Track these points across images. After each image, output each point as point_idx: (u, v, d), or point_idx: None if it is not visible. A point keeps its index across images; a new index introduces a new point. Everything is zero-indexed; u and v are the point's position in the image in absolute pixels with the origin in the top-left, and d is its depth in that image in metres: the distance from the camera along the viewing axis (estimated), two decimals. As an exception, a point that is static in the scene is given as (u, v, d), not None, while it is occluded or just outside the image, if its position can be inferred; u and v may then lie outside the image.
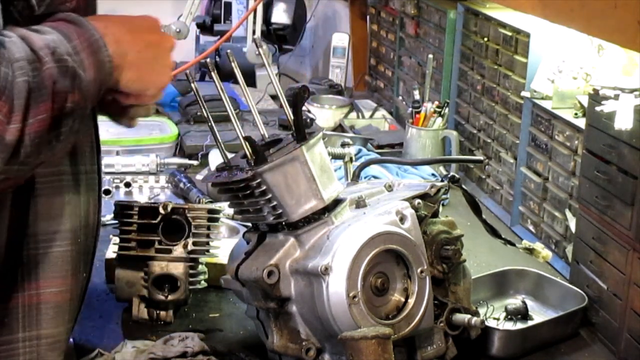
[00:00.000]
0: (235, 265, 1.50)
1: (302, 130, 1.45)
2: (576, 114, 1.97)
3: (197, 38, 3.69)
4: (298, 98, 1.43)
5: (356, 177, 1.84)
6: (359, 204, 1.51)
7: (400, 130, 2.92)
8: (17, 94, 0.97)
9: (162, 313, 1.72)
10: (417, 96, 2.66)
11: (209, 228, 1.73)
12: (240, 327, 1.72)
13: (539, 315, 1.79)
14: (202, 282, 1.76)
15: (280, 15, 3.56)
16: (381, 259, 1.41)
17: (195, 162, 2.54)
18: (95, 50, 1.08)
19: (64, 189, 1.19)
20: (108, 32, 1.10)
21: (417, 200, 1.52)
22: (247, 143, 1.42)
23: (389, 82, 3.30)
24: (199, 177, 2.37)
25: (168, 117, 2.89)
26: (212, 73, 1.43)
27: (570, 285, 1.81)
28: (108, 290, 1.83)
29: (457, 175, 1.74)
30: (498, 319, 1.76)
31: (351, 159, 2.10)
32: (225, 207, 1.87)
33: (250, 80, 3.36)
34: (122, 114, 1.23)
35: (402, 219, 1.45)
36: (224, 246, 1.76)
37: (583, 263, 1.79)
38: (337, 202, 1.48)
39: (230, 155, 1.52)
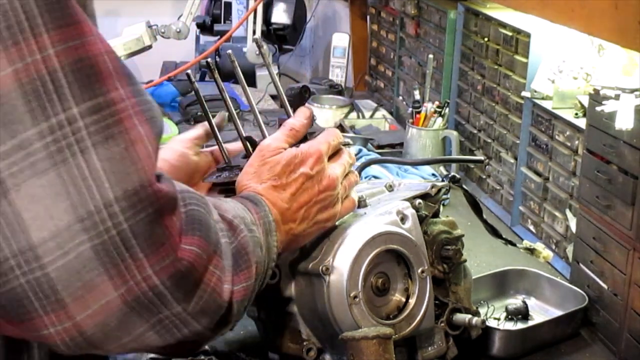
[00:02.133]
0: (236, 266, 1.50)
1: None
2: (576, 114, 1.97)
3: (197, 38, 3.69)
4: (299, 98, 1.43)
5: (357, 177, 1.84)
6: (360, 204, 1.51)
7: (400, 130, 2.92)
8: (225, 254, 0.92)
9: (163, 313, 1.72)
10: (417, 96, 2.66)
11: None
12: (240, 327, 1.72)
13: (540, 315, 1.79)
14: (203, 282, 1.76)
15: (280, 15, 3.55)
16: (382, 259, 1.41)
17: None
18: (267, 232, 1.08)
19: None
20: (278, 219, 1.14)
21: (418, 200, 1.52)
22: (247, 143, 1.42)
23: (389, 82, 3.30)
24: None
25: (168, 117, 2.89)
26: (214, 73, 1.42)
27: (571, 285, 1.81)
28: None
29: (457, 175, 1.74)
30: (498, 319, 1.76)
31: (351, 159, 2.10)
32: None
33: (251, 80, 3.36)
34: None
35: (403, 219, 1.45)
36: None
37: (583, 263, 1.79)
38: (338, 202, 1.48)
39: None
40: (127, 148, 0.80)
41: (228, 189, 1.47)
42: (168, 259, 0.82)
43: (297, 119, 1.29)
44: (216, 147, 1.48)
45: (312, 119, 1.31)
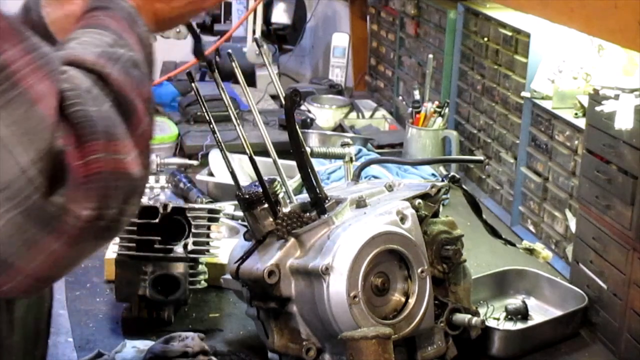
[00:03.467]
0: (236, 265, 1.50)
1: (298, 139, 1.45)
2: (576, 114, 1.97)
3: (197, 38, 3.68)
4: (290, 102, 1.42)
5: (356, 177, 1.84)
6: (360, 203, 1.51)
7: (400, 130, 2.92)
8: (114, 121, 0.86)
9: (162, 313, 1.72)
10: (417, 96, 2.66)
11: (209, 228, 1.73)
12: (240, 327, 1.72)
13: (539, 315, 1.79)
14: (202, 282, 1.76)
15: (280, 15, 3.55)
16: (382, 259, 1.41)
17: (195, 162, 2.54)
18: (132, 24, 0.98)
19: None
20: (139, 3, 1.02)
21: (418, 200, 1.52)
22: None
23: (389, 82, 3.30)
24: (199, 177, 2.37)
25: (168, 117, 2.89)
26: (214, 73, 1.42)
27: (570, 285, 1.81)
28: (108, 290, 1.83)
29: (457, 175, 1.74)
30: (498, 319, 1.76)
31: (351, 159, 2.10)
32: (225, 207, 1.87)
33: (250, 80, 3.35)
34: None
35: (403, 219, 1.45)
36: (224, 246, 1.76)
37: (583, 263, 1.79)
38: (337, 202, 1.48)
39: (229, 155, 1.52)
40: (30, 108, 0.80)
41: None
42: (85, 187, 0.82)
43: None
44: None
45: None
